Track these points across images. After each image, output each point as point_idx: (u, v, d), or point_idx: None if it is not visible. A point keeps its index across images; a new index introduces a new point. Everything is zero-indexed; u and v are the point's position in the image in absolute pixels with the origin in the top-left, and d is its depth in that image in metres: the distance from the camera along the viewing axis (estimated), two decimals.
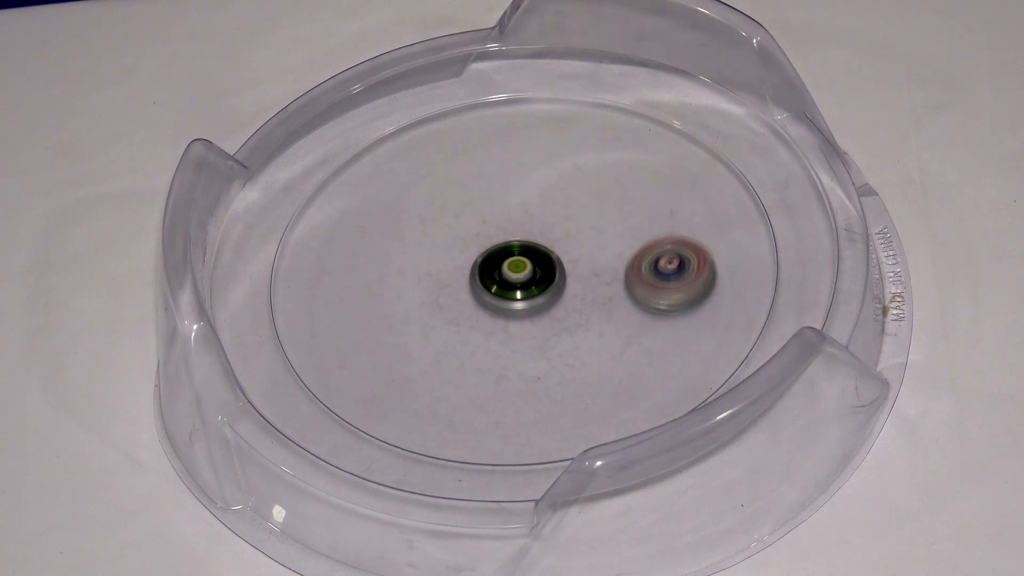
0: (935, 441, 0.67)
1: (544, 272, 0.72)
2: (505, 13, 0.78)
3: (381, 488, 0.64)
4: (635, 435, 0.62)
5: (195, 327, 0.67)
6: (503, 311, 0.71)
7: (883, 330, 0.70)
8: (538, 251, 0.73)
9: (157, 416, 0.71)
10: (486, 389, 0.69)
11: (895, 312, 0.70)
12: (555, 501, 0.63)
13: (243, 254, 0.74)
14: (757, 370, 0.63)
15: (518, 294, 0.72)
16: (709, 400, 0.66)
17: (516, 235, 0.74)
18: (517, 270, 0.72)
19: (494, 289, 0.72)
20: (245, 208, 0.75)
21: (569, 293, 0.72)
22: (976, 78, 0.78)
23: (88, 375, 0.73)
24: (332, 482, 0.65)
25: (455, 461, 0.66)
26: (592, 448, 0.62)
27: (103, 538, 0.68)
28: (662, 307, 0.70)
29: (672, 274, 0.70)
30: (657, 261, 0.71)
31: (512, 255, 0.72)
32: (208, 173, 0.72)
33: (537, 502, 0.63)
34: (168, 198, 0.70)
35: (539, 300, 0.71)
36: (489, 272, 0.72)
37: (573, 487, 0.62)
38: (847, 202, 0.71)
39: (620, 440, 0.62)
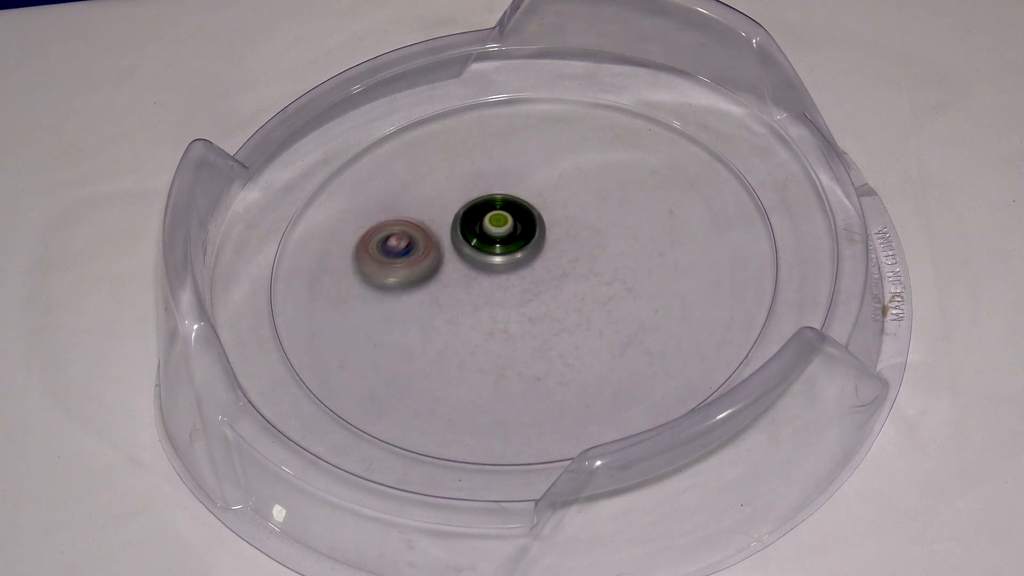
0: (934, 441, 0.67)
1: (525, 228, 0.73)
2: (505, 13, 0.78)
3: (381, 488, 0.64)
4: (635, 435, 0.62)
5: (195, 327, 0.67)
6: (483, 264, 0.72)
7: (882, 330, 0.70)
8: (520, 206, 0.73)
9: (157, 416, 0.71)
10: (486, 389, 0.69)
11: (894, 312, 0.70)
12: (555, 501, 0.63)
13: (243, 254, 0.74)
14: (757, 370, 0.63)
15: (497, 247, 0.73)
16: (709, 400, 0.66)
17: None
18: (498, 224, 0.72)
19: (474, 242, 0.73)
20: (245, 208, 0.75)
21: (549, 249, 0.73)
22: (975, 78, 0.78)
23: (88, 375, 0.73)
24: (332, 482, 0.65)
25: (455, 461, 0.66)
26: (592, 448, 0.62)
27: (103, 538, 0.68)
28: (389, 283, 0.72)
29: (400, 253, 0.72)
30: (386, 240, 0.72)
31: (494, 208, 0.73)
32: (208, 173, 0.72)
33: (537, 502, 0.63)
34: (168, 198, 0.70)
35: (519, 255, 0.72)
36: (471, 225, 0.73)
37: (573, 487, 0.62)
38: (846, 202, 0.71)
39: (620, 440, 0.62)
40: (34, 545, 0.68)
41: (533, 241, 0.73)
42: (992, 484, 0.66)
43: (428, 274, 0.72)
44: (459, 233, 0.73)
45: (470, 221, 0.73)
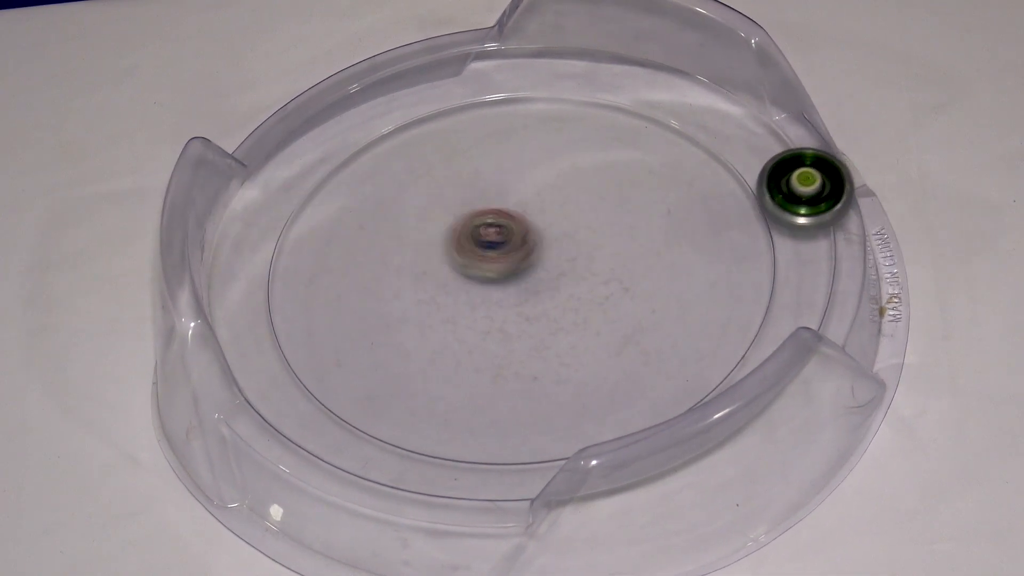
0: (931, 441, 0.67)
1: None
2: (504, 13, 0.78)
3: (377, 487, 0.65)
4: (631, 434, 0.62)
5: (192, 325, 0.67)
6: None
7: (880, 331, 0.70)
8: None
9: (155, 415, 0.71)
10: (482, 388, 0.69)
11: (892, 313, 0.70)
12: (550, 500, 0.63)
13: (241, 253, 0.74)
14: (753, 370, 0.63)
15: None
16: (705, 400, 0.66)
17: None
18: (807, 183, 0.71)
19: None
20: (243, 207, 0.75)
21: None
22: (975, 78, 0.78)
23: (87, 374, 0.73)
24: (328, 480, 0.65)
25: (451, 460, 0.66)
26: (588, 447, 0.62)
27: (101, 536, 0.68)
28: (488, 275, 0.71)
29: (494, 244, 0.71)
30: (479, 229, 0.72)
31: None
32: (206, 171, 0.72)
33: (532, 501, 0.63)
34: (166, 196, 0.70)
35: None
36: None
37: (568, 486, 0.62)
38: None
39: (616, 439, 0.62)
40: (34, 545, 0.68)
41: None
42: (990, 485, 0.66)
43: (523, 266, 0.71)
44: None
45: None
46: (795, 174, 0.70)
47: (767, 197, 0.70)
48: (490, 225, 0.72)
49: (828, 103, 0.75)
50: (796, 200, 0.70)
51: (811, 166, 0.71)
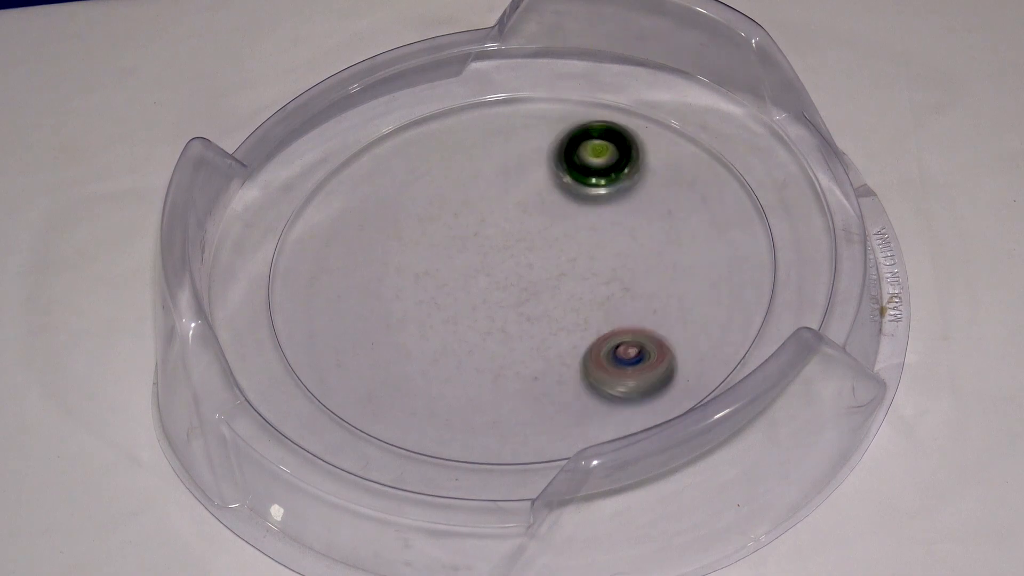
0: (932, 441, 0.67)
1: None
2: (504, 13, 0.78)
3: (378, 487, 0.64)
4: (632, 435, 0.62)
5: (193, 326, 0.67)
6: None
7: (880, 330, 0.70)
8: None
9: (155, 415, 0.71)
10: (483, 388, 0.69)
11: (893, 312, 0.70)
12: (551, 500, 0.63)
13: (242, 253, 0.74)
14: (754, 370, 0.63)
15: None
16: (706, 400, 0.66)
17: (513, 235, 0.74)
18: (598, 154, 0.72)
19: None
20: (244, 207, 0.75)
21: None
22: (975, 78, 0.78)
23: (87, 374, 0.73)
24: (329, 481, 0.65)
25: (452, 460, 0.66)
26: (589, 447, 0.62)
27: (101, 536, 0.68)
28: (617, 393, 0.69)
29: (631, 361, 0.69)
30: (616, 348, 0.69)
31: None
32: (207, 172, 0.72)
33: (534, 501, 0.63)
34: (166, 196, 0.70)
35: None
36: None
37: (569, 486, 0.62)
38: (845, 203, 0.71)
39: (617, 440, 0.62)
40: (34, 545, 0.68)
41: None
42: (990, 484, 0.66)
43: (662, 383, 0.69)
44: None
45: None
46: (585, 147, 0.72)
47: (564, 175, 0.72)
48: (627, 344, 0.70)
49: (828, 103, 0.75)
50: (590, 172, 0.72)
51: (599, 137, 0.73)
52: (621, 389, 0.68)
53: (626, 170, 0.73)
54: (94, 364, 0.73)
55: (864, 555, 0.64)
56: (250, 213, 0.75)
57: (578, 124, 0.74)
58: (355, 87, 0.77)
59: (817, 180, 0.72)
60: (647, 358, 0.69)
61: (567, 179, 0.73)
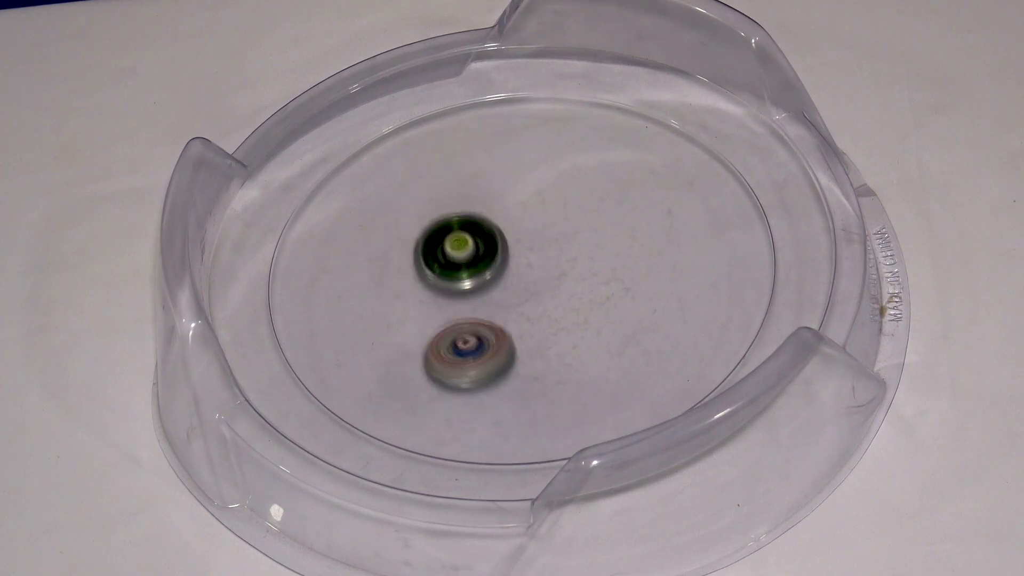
0: (932, 441, 0.67)
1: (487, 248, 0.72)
2: (504, 13, 0.78)
3: (378, 487, 0.64)
4: (632, 434, 0.62)
5: (193, 326, 0.67)
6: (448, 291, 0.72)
7: (880, 330, 0.70)
8: (480, 226, 0.73)
9: (155, 415, 0.71)
10: (483, 388, 0.69)
11: (893, 312, 0.70)
12: (552, 500, 0.63)
13: (242, 253, 0.74)
14: (754, 370, 0.63)
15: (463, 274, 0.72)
16: (706, 400, 0.66)
17: (513, 235, 0.74)
18: (459, 248, 0.72)
19: (437, 270, 0.72)
20: (244, 207, 0.75)
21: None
22: (976, 78, 0.78)
23: (87, 374, 0.73)
24: (329, 481, 0.65)
25: (452, 460, 0.66)
26: (589, 447, 0.61)
27: (101, 536, 0.68)
28: (463, 385, 0.69)
29: (470, 352, 0.70)
30: (455, 341, 0.70)
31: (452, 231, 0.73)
32: (207, 172, 0.72)
33: (534, 501, 0.63)
34: (166, 197, 0.70)
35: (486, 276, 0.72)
36: (432, 251, 0.73)
37: (570, 486, 0.62)
38: (845, 202, 0.71)
39: (617, 439, 0.62)
40: (34, 545, 0.68)
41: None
42: (990, 484, 0.66)
43: (502, 371, 0.70)
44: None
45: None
46: (447, 241, 0.72)
47: (427, 271, 0.72)
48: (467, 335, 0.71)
49: (828, 103, 0.75)
50: (455, 267, 0.72)
51: (460, 229, 0.73)
52: (465, 381, 0.69)
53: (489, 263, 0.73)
54: (94, 364, 0.73)
55: (864, 555, 0.64)
56: (250, 213, 0.75)
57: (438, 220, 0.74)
58: (355, 87, 0.77)
59: (817, 180, 0.72)
60: (487, 347, 0.69)
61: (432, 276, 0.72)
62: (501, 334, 0.70)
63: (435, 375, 0.69)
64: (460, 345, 0.69)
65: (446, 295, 0.72)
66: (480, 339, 0.70)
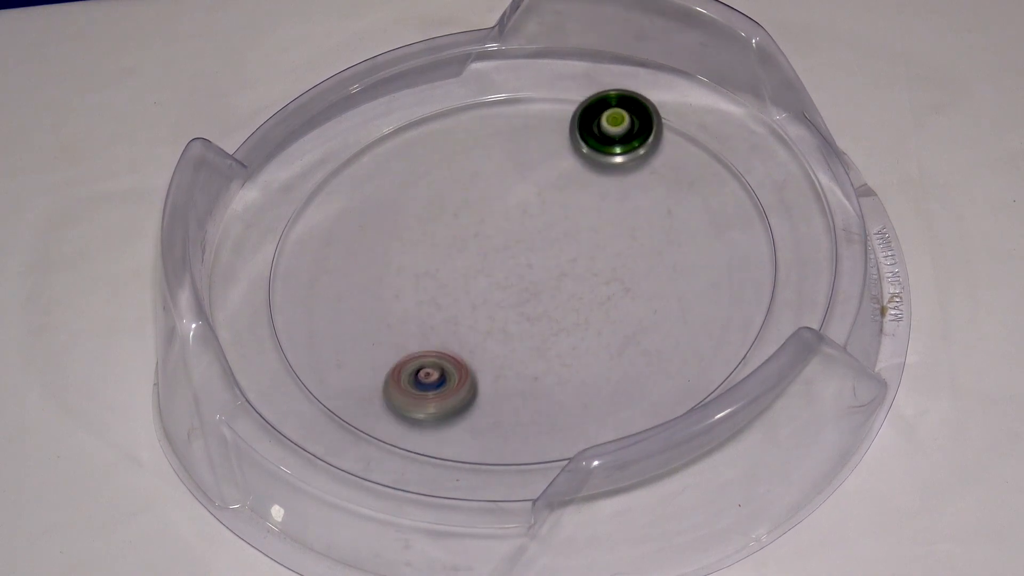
0: (933, 441, 0.67)
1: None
2: (504, 13, 0.78)
3: (379, 487, 0.64)
4: (632, 435, 0.62)
5: (193, 326, 0.67)
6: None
7: (881, 330, 0.70)
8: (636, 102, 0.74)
9: (156, 415, 0.71)
10: (484, 388, 0.69)
11: (893, 312, 0.70)
12: (552, 500, 0.63)
13: (242, 253, 0.74)
14: (755, 370, 0.63)
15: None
16: (707, 400, 0.66)
17: (514, 235, 0.74)
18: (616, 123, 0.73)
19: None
20: (244, 207, 0.75)
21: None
22: (976, 78, 0.78)
23: (88, 375, 0.73)
24: (330, 481, 0.65)
25: (452, 460, 0.66)
26: (589, 448, 0.62)
27: (102, 537, 0.68)
28: (419, 417, 0.68)
29: (431, 386, 0.69)
30: (417, 372, 0.69)
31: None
32: (207, 172, 0.72)
33: (534, 502, 0.63)
34: (167, 197, 0.70)
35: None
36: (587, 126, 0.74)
37: (570, 487, 0.62)
38: (846, 202, 0.71)
39: (617, 440, 0.62)
40: (34, 545, 0.68)
41: None
42: (991, 484, 0.66)
43: (463, 407, 0.69)
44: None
45: None
46: (604, 116, 0.73)
47: (581, 143, 0.72)
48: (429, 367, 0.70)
49: (828, 103, 0.75)
50: (609, 141, 0.73)
51: (617, 106, 0.73)
52: (421, 415, 0.68)
53: (645, 138, 0.73)
54: (94, 364, 0.73)
55: (864, 555, 0.64)
56: (250, 214, 0.75)
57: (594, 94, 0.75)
58: (355, 87, 0.77)
59: (817, 180, 0.72)
60: (449, 382, 0.69)
61: (585, 149, 0.73)
62: (463, 368, 0.69)
63: (394, 404, 0.68)
64: (422, 378, 0.69)
65: (598, 168, 0.73)
66: (443, 372, 0.69)
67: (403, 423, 0.68)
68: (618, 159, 0.73)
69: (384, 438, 0.67)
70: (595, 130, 0.74)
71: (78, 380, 0.73)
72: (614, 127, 0.73)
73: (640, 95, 0.75)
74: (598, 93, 0.75)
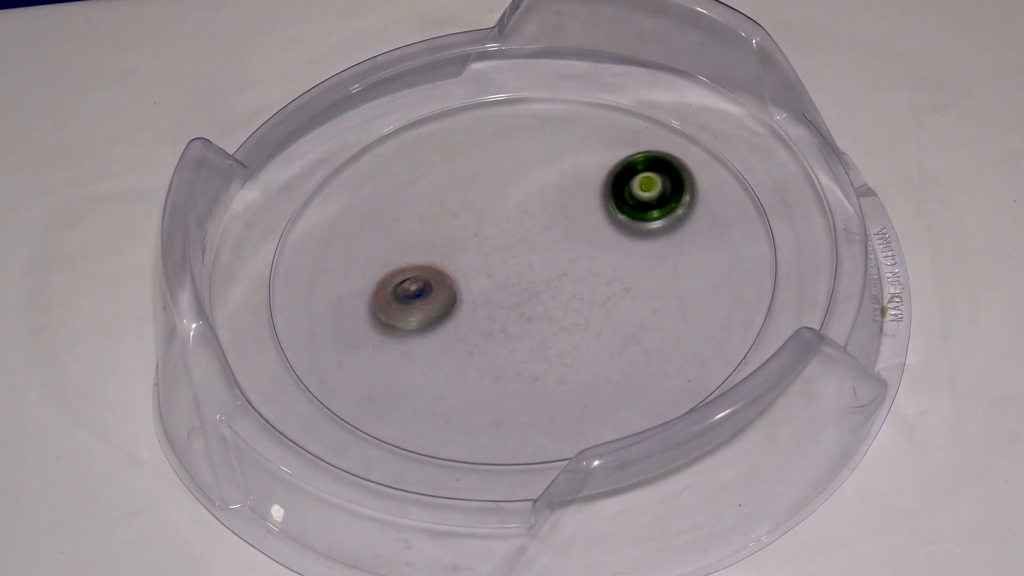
0: (933, 441, 0.67)
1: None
2: (505, 13, 0.78)
3: (379, 487, 0.65)
4: (633, 435, 0.62)
5: (194, 326, 0.67)
6: None
7: (881, 330, 0.70)
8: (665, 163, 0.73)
9: (156, 415, 0.71)
10: (484, 389, 0.69)
11: (893, 312, 0.70)
12: (553, 500, 0.63)
13: (242, 253, 0.74)
14: (755, 370, 0.63)
15: None
16: (707, 400, 0.66)
17: (513, 235, 0.74)
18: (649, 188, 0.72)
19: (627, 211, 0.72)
20: (244, 207, 0.75)
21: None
22: (976, 78, 0.78)
23: (88, 375, 0.73)
24: (330, 481, 0.65)
25: (453, 460, 0.66)
26: (590, 448, 0.62)
27: (102, 537, 0.68)
28: (409, 326, 0.71)
29: (413, 296, 0.71)
30: (399, 284, 0.71)
31: None
32: (207, 172, 0.72)
33: (535, 501, 0.63)
34: (167, 197, 0.70)
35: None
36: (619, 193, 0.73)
37: (571, 487, 0.62)
38: (846, 202, 0.71)
39: (618, 440, 0.62)
40: (34, 545, 0.68)
41: None
42: (991, 484, 0.66)
43: (443, 313, 0.71)
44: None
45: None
46: (635, 182, 0.72)
47: (618, 213, 0.72)
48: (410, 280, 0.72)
49: (829, 103, 0.75)
50: (645, 207, 0.72)
51: (646, 170, 0.73)
52: (411, 322, 0.70)
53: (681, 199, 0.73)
54: (94, 364, 0.73)
55: (864, 555, 0.64)
56: (251, 213, 0.75)
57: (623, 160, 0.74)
58: (355, 87, 0.77)
59: (817, 180, 0.72)
60: (429, 291, 0.71)
61: (621, 216, 0.73)
62: (441, 277, 0.71)
63: (381, 317, 0.70)
64: (404, 290, 0.71)
65: (635, 235, 0.72)
66: (424, 283, 0.71)
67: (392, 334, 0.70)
68: (656, 224, 0.72)
69: (384, 438, 0.67)
70: (627, 198, 0.73)
71: (78, 380, 0.73)
72: (647, 192, 0.72)
73: (668, 155, 0.74)
74: (624, 159, 0.74)
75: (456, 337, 0.71)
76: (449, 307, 0.71)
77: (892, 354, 0.69)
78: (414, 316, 0.71)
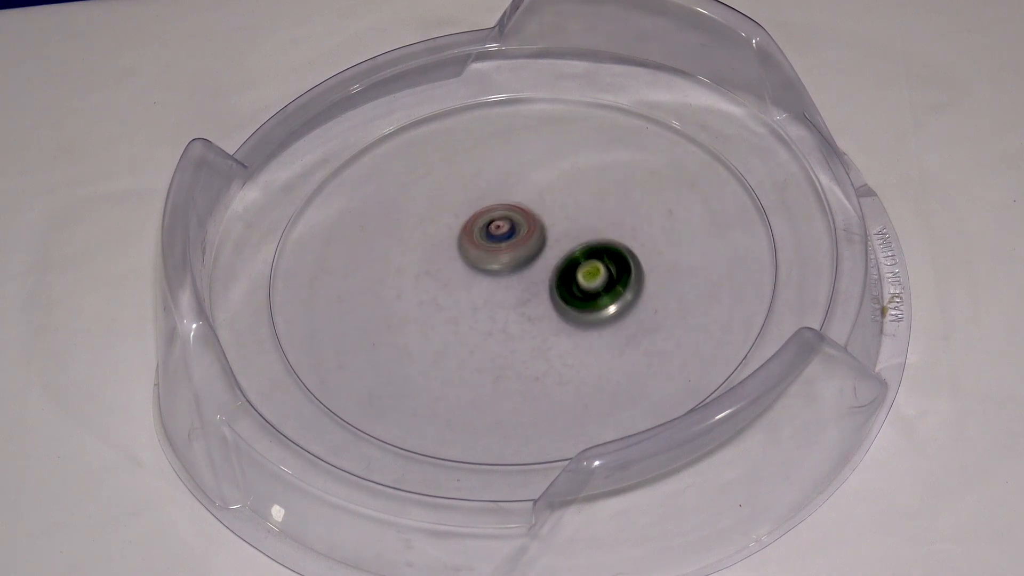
0: (933, 441, 0.67)
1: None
2: (505, 13, 0.78)
3: (380, 488, 0.65)
4: (633, 435, 0.62)
5: (194, 327, 0.67)
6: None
7: (882, 330, 0.70)
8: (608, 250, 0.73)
9: (156, 416, 0.71)
10: (485, 389, 0.69)
11: (894, 312, 0.70)
12: (553, 501, 0.63)
13: (242, 254, 0.74)
14: (755, 370, 0.63)
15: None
16: (707, 400, 0.66)
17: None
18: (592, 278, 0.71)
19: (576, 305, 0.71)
20: (245, 208, 0.75)
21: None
22: (976, 78, 0.78)
23: (88, 375, 0.73)
24: (331, 481, 0.65)
25: (453, 461, 0.66)
26: (590, 448, 0.62)
27: (102, 537, 0.68)
28: (494, 268, 0.72)
29: (503, 237, 0.72)
30: (488, 225, 0.72)
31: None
32: (208, 172, 0.72)
33: (535, 502, 0.63)
34: (167, 197, 0.70)
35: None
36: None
37: (571, 487, 0.62)
38: (846, 202, 0.71)
39: (618, 440, 0.62)
40: (34, 545, 0.68)
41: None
42: (991, 484, 0.66)
43: (532, 256, 0.72)
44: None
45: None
46: (579, 274, 0.71)
47: (569, 308, 0.71)
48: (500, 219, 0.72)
49: (829, 103, 0.75)
50: (594, 296, 0.71)
51: (588, 259, 0.72)
52: (496, 265, 0.71)
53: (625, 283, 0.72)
54: (94, 364, 0.73)
55: (865, 555, 0.64)
56: (251, 214, 0.75)
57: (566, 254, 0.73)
58: (356, 88, 0.77)
59: (818, 180, 0.72)
60: (518, 232, 0.71)
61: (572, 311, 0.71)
62: (531, 218, 0.72)
63: (468, 258, 0.72)
64: (493, 230, 0.71)
65: (585, 326, 0.71)
66: (512, 224, 0.71)
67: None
68: (611, 309, 0.71)
69: (384, 438, 0.67)
70: (575, 290, 0.71)
71: (78, 380, 0.73)
72: (591, 281, 0.71)
73: (610, 242, 0.73)
74: (565, 256, 0.72)
75: (457, 338, 0.71)
76: (538, 249, 0.72)
77: (892, 354, 0.69)
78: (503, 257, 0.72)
